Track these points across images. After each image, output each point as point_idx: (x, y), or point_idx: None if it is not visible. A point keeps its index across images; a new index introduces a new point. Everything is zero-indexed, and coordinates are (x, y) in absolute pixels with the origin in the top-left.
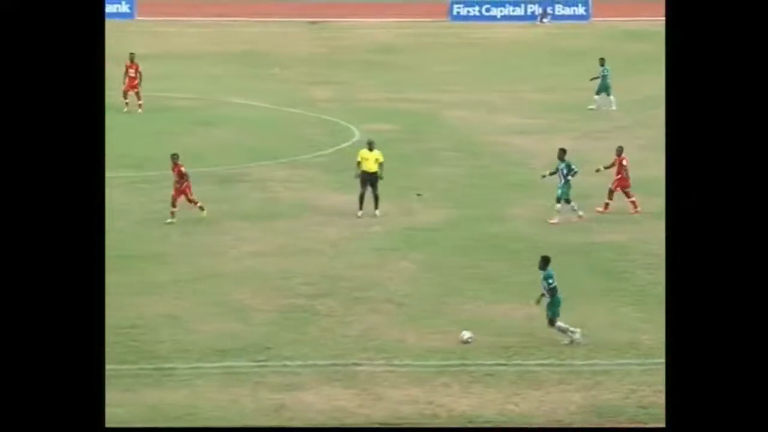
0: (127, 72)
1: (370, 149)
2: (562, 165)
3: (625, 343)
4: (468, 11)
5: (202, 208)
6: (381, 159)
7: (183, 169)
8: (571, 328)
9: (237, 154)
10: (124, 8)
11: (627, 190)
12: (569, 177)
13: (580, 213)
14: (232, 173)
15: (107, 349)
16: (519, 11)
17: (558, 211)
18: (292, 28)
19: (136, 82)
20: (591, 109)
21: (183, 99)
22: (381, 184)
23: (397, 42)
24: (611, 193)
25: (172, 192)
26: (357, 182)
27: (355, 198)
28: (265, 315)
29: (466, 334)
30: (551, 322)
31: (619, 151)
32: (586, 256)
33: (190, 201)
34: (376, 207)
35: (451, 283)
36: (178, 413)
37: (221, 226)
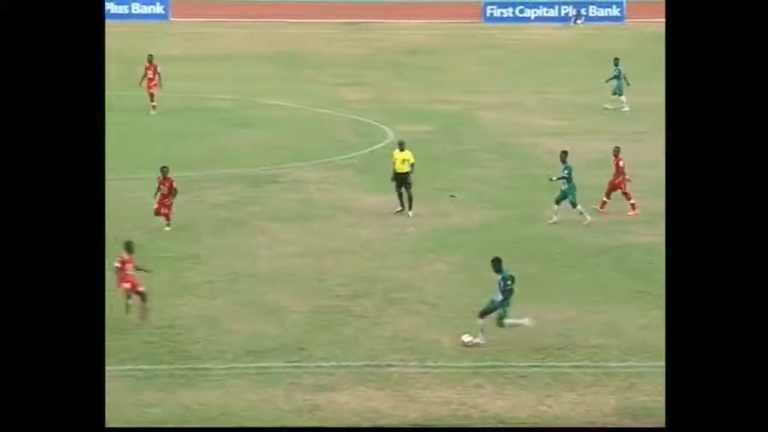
0: (146, 73)
1: (401, 150)
2: (563, 167)
3: (658, 346)
4: (501, 13)
5: (168, 225)
6: (411, 159)
7: (175, 184)
8: (519, 321)
9: (271, 155)
10: (158, 9)
11: (626, 191)
12: (565, 179)
13: (588, 218)
14: (266, 174)
15: (143, 349)
16: (553, 13)
17: (555, 212)
18: (327, 29)
19: (153, 83)
20: (606, 108)
21: (217, 100)
22: (415, 185)
23: (430, 43)
24: (609, 193)
25: (156, 205)
26: (393, 183)
27: (389, 198)
28: (299, 316)
29: (467, 338)
30: (500, 322)
31: (616, 152)
32: (618, 257)
33: (164, 214)
34: (409, 207)
35: (485, 284)
36: (213, 413)
37: (255, 227)
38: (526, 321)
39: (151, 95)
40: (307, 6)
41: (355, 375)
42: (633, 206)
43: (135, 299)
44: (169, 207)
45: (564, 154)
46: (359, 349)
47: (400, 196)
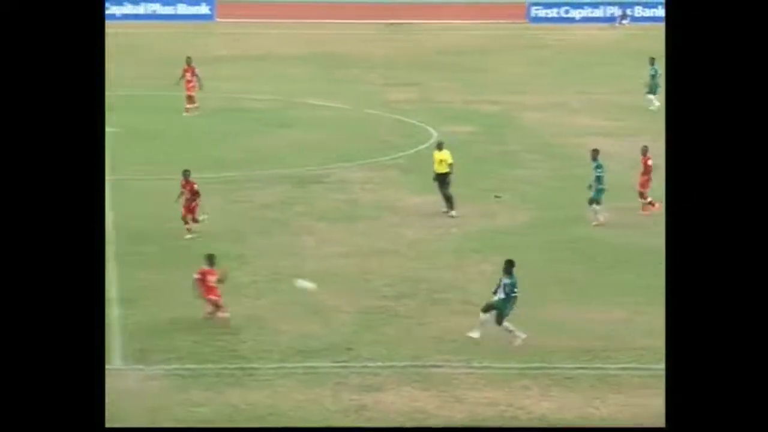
0: (183, 75)
1: (439, 150)
2: (594, 165)
3: None
4: (546, 13)
5: (191, 232)
6: (449, 160)
7: (196, 186)
8: (517, 332)
9: (315, 155)
10: (204, 10)
11: (643, 190)
12: (599, 178)
13: (600, 217)
14: (310, 174)
15: (190, 349)
16: (598, 13)
17: (596, 212)
18: (370, 30)
19: (191, 84)
20: (651, 109)
21: (261, 101)
22: (460, 186)
23: (475, 44)
24: (642, 194)
25: (182, 210)
26: (435, 184)
27: (434, 199)
28: (345, 316)
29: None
30: (499, 320)
31: (644, 150)
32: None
33: (192, 220)
34: (451, 208)
35: (531, 285)
36: (260, 413)
37: (300, 227)
38: (522, 336)
39: (190, 97)
40: (351, 7)
41: (401, 375)
42: (649, 205)
43: (215, 311)
44: (193, 211)
45: (595, 152)
46: (405, 349)
47: (444, 197)
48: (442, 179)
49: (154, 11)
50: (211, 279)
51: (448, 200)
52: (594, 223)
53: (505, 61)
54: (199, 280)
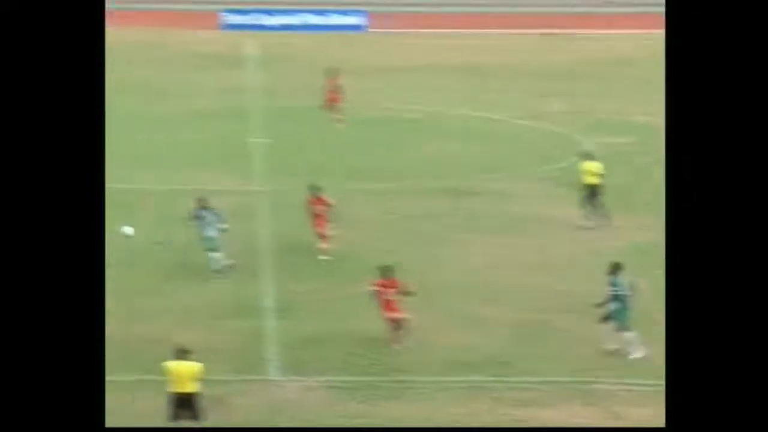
0: (328, 86)
1: (589, 161)
2: None
3: None
4: None
5: (324, 254)
6: (600, 171)
7: (327, 199)
8: (637, 349)
9: (470, 166)
10: (356, 20)
11: None
12: None
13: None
14: (465, 186)
15: (347, 360)
16: None
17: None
18: (524, 40)
19: (334, 95)
20: None
21: (414, 111)
22: (617, 197)
23: (631, 53)
24: None
25: (315, 228)
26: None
27: (585, 211)
28: (501, 329)
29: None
30: (621, 330)
31: None
32: None
33: (323, 237)
34: (603, 220)
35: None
36: (417, 426)
37: (454, 239)
38: (642, 351)
39: (333, 108)
40: (504, 17)
41: (561, 391)
42: None
43: (398, 329)
44: (323, 226)
45: None
46: (564, 364)
47: (594, 208)
48: (593, 191)
49: (306, 22)
50: (389, 292)
51: (599, 212)
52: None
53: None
54: (376, 292)
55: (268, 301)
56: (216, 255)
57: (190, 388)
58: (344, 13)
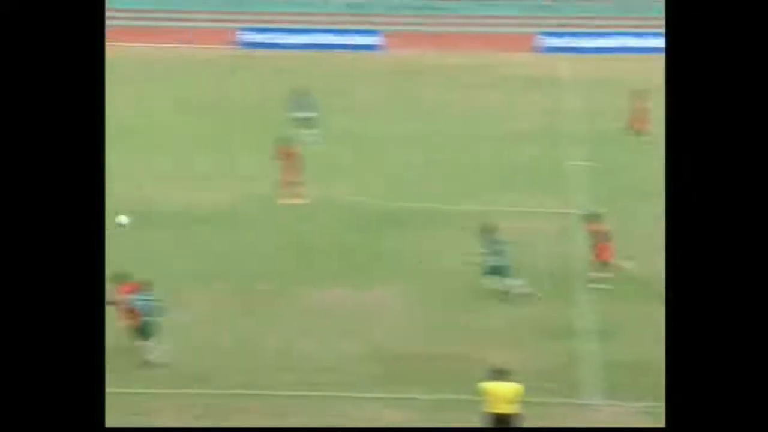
0: (634, 109)
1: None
2: None
3: None
4: None
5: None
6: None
7: (603, 228)
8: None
9: None
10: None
11: None
12: None
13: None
14: None
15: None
16: None
17: None
18: None
19: (641, 117)
20: None
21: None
22: None
23: None
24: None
25: (597, 256)
26: None
27: None
28: None
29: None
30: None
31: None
32: None
33: (604, 263)
34: None
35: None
36: None
37: None
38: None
39: (641, 131)
40: None
41: None
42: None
43: None
44: (605, 255)
45: None
46: None
47: None
48: None
49: (624, 44)
50: None
51: None
52: None
53: None
54: None
55: (583, 323)
56: (512, 281)
57: (507, 409)
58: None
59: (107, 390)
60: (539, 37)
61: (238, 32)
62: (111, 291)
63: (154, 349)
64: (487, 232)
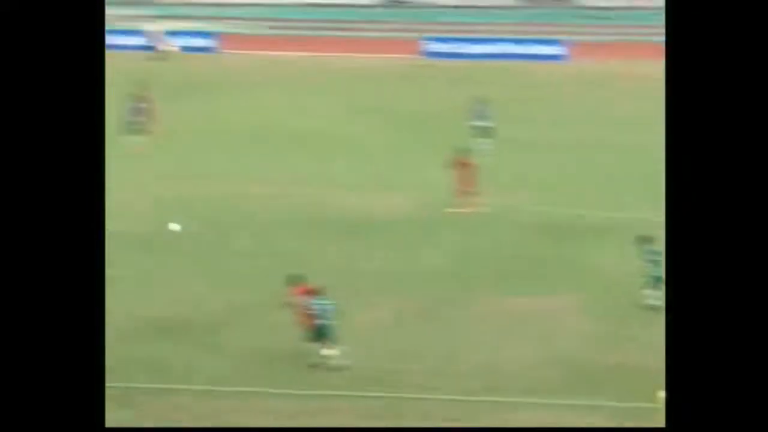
0: None
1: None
2: None
3: None
4: None
5: None
6: None
7: None
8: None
9: None
10: None
11: None
12: None
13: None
14: None
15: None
16: None
17: None
18: None
19: None
20: None
21: None
22: None
23: None
24: None
25: None
26: None
27: None
28: None
29: None
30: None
31: None
32: None
33: None
34: None
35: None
36: None
37: None
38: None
39: None
40: None
41: None
42: None
43: None
44: None
45: None
46: None
47: None
48: None
49: None
50: None
51: None
52: None
53: None
54: None
55: None
56: (652, 293)
57: None
58: None
59: (274, 391)
60: None
61: (422, 42)
62: (287, 293)
63: (331, 352)
64: (643, 242)
